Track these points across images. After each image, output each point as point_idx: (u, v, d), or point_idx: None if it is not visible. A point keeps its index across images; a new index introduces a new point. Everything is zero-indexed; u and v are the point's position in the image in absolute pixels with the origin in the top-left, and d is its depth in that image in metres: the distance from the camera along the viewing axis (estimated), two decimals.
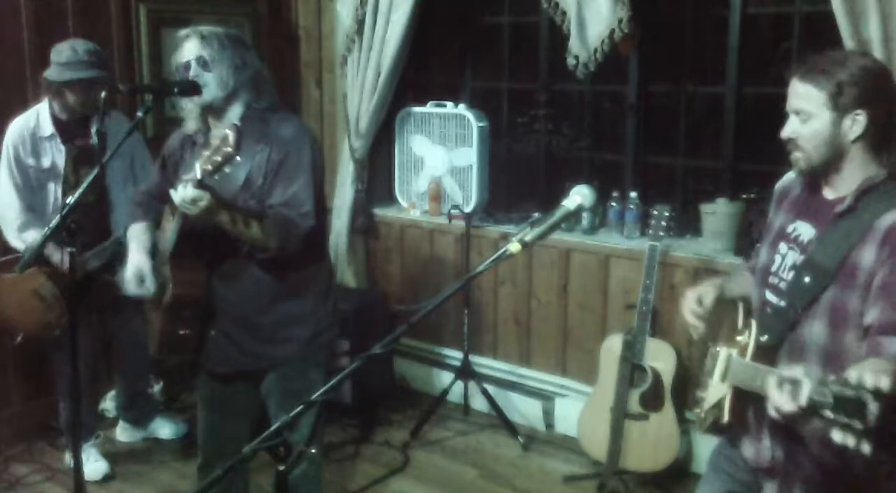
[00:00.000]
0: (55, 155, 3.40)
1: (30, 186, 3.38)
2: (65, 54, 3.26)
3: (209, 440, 2.80)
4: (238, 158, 2.21)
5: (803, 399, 1.52)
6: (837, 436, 1.47)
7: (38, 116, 3.39)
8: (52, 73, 3.27)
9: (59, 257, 3.22)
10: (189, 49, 2.46)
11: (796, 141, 1.90)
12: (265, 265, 2.49)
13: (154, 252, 2.61)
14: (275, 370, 2.62)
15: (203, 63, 2.44)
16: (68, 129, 3.39)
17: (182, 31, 2.51)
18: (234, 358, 2.60)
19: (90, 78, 3.25)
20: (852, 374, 1.48)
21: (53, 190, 3.41)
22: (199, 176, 2.22)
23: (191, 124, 2.53)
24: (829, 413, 1.47)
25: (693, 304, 2.10)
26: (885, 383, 1.44)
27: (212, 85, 2.45)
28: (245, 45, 2.57)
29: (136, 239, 2.64)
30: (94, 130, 3.38)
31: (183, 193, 2.24)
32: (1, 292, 3.35)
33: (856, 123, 1.83)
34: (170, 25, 4.16)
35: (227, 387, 2.68)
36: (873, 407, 1.43)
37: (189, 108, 2.49)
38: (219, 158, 2.19)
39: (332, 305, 2.74)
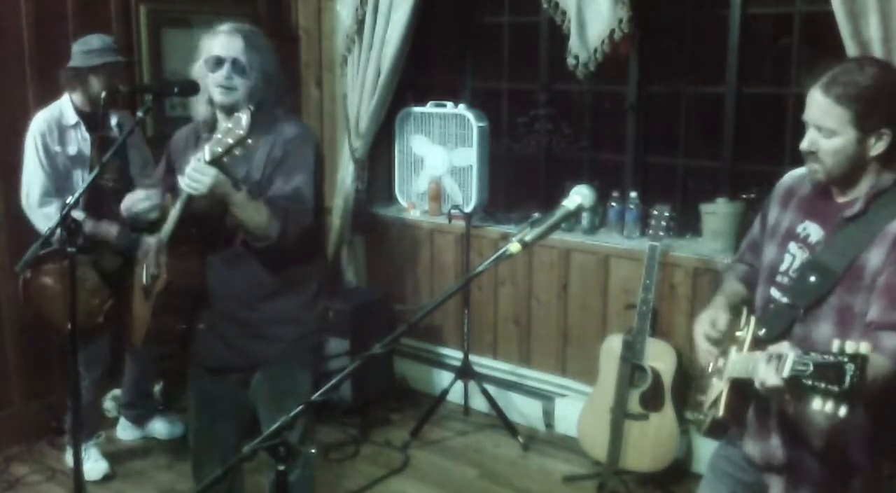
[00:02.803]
0: (80, 143, 3.50)
1: (58, 173, 3.47)
2: (93, 43, 3.43)
3: (200, 441, 2.79)
4: (249, 141, 2.20)
5: (786, 371, 1.55)
6: (817, 404, 1.50)
7: (61, 108, 3.49)
8: (79, 61, 3.43)
9: (105, 228, 3.40)
10: (226, 46, 2.43)
11: (816, 154, 1.86)
12: (257, 261, 2.49)
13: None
14: (262, 370, 2.61)
15: (241, 69, 2.43)
16: (91, 119, 3.50)
17: (222, 26, 2.49)
18: (220, 353, 2.59)
19: (116, 62, 3.44)
20: (836, 342, 1.51)
21: (81, 176, 3.49)
22: (207, 158, 2.22)
23: (200, 109, 2.51)
24: (808, 382, 1.50)
25: (708, 327, 2.04)
26: (864, 348, 1.48)
27: (241, 90, 2.44)
28: (274, 52, 2.56)
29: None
30: (114, 122, 3.52)
31: (188, 168, 2.24)
32: (46, 285, 3.39)
33: (880, 142, 1.82)
34: (170, 25, 4.16)
35: (217, 385, 2.66)
36: (850, 369, 1.46)
37: (201, 94, 2.48)
38: (230, 141, 2.19)
39: (320, 309, 2.75)
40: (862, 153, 1.83)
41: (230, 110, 2.48)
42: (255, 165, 2.46)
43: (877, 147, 1.82)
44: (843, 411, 1.48)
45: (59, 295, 3.37)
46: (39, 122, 3.46)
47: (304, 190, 2.47)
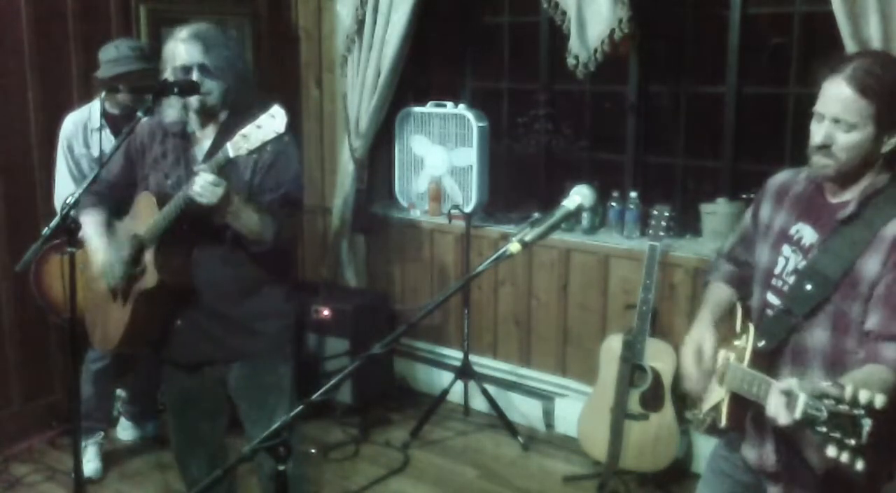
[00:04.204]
0: (105, 145, 3.50)
1: (83, 176, 3.50)
2: (110, 53, 3.46)
3: (182, 441, 2.79)
4: (286, 138, 2.21)
5: (798, 413, 1.52)
6: (832, 451, 1.47)
7: (91, 110, 3.54)
8: (100, 72, 3.47)
9: None
10: (189, 54, 2.43)
11: (830, 148, 1.80)
12: (243, 257, 2.50)
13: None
14: (243, 365, 2.61)
15: (206, 71, 2.43)
16: (119, 121, 3.53)
17: (181, 32, 2.48)
18: (199, 348, 2.58)
19: (133, 71, 3.43)
20: (848, 389, 1.46)
21: None
22: (231, 155, 2.23)
23: (171, 113, 2.51)
24: (823, 428, 1.47)
25: (692, 360, 1.99)
26: (879, 401, 1.44)
27: (215, 93, 2.45)
28: (239, 46, 2.57)
29: (97, 230, 2.61)
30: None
31: (203, 179, 2.24)
32: (50, 273, 3.43)
33: (893, 139, 1.79)
34: (170, 25, 4.12)
35: (194, 382, 2.65)
36: (866, 424, 1.43)
37: (172, 99, 2.48)
38: (263, 137, 2.18)
39: (294, 302, 2.80)
40: (874, 150, 1.79)
41: (207, 114, 2.50)
42: (241, 165, 2.46)
43: (889, 144, 1.79)
44: (860, 465, 1.44)
45: (55, 285, 3.39)
46: (67, 125, 3.52)
47: (295, 192, 2.53)
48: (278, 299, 2.64)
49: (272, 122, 2.18)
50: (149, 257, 2.48)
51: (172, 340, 2.59)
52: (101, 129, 3.48)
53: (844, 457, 1.45)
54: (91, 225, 2.62)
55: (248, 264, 2.52)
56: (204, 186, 2.25)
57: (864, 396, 1.44)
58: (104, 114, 3.50)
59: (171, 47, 2.47)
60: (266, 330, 2.61)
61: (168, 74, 2.47)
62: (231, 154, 2.23)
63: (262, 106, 2.28)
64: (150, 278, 2.47)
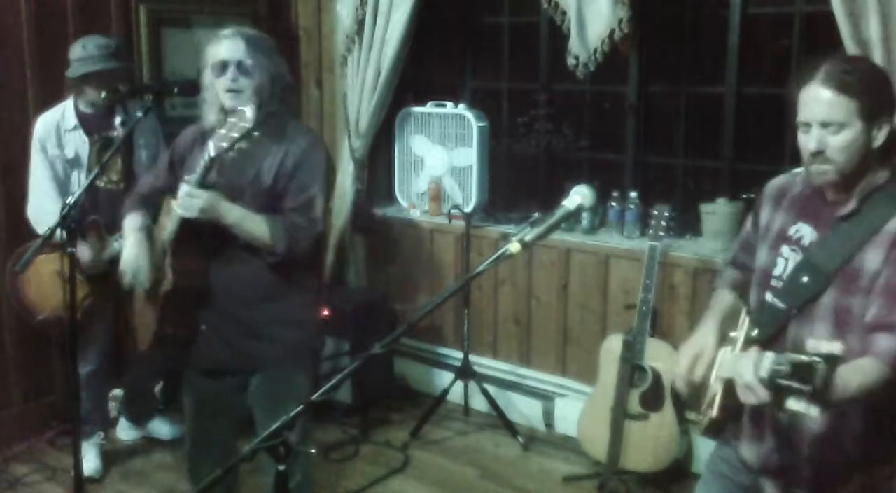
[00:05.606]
0: (78, 145, 3.50)
1: (58, 177, 3.49)
2: (76, 52, 3.41)
3: (196, 442, 2.79)
4: (256, 133, 2.23)
5: (764, 370, 1.52)
6: (791, 403, 1.49)
7: (64, 110, 3.51)
8: (69, 71, 3.43)
9: (80, 250, 3.28)
10: (230, 50, 2.45)
11: (825, 153, 1.81)
12: (260, 261, 2.50)
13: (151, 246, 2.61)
14: (261, 373, 2.61)
15: (245, 70, 2.45)
16: (92, 120, 3.50)
17: (225, 30, 2.51)
18: (220, 354, 2.59)
19: (101, 70, 3.37)
20: (810, 342, 1.50)
21: (77, 179, 3.49)
22: (212, 153, 2.26)
23: (211, 117, 2.52)
24: (784, 381, 1.49)
25: (689, 364, 1.97)
26: (837, 348, 1.47)
27: (248, 92, 2.45)
28: (277, 53, 2.58)
29: (134, 231, 2.61)
30: (118, 122, 3.47)
31: (181, 191, 2.28)
32: (28, 274, 3.39)
33: (881, 131, 1.80)
34: (170, 25, 4.17)
35: (214, 387, 2.66)
36: (821, 369, 1.45)
37: (212, 101, 2.49)
38: (235, 135, 2.23)
39: (317, 312, 2.80)
40: (868, 145, 1.80)
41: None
42: (265, 170, 2.47)
43: (879, 137, 1.80)
44: (814, 411, 1.46)
45: (43, 283, 3.39)
46: (39, 126, 3.47)
47: (315, 201, 2.51)
48: (297, 307, 2.62)
49: (242, 117, 2.25)
50: (167, 260, 2.52)
51: (198, 344, 2.60)
52: (75, 128, 3.46)
53: (801, 406, 1.47)
54: (128, 226, 2.63)
55: (265, 270, 2.51)
56: (182, 198, 2.28)
57: (825, 346, 1.47)
58: (78, 113, 3.47)
59: (213, 46, 2.49)
60: (284, 338, 2.59)
61: (207, 74, 2.48)
62: (213, 153, 2.27)
63: (293, 119, 2.30)
64: (168, 281, 2.51)
